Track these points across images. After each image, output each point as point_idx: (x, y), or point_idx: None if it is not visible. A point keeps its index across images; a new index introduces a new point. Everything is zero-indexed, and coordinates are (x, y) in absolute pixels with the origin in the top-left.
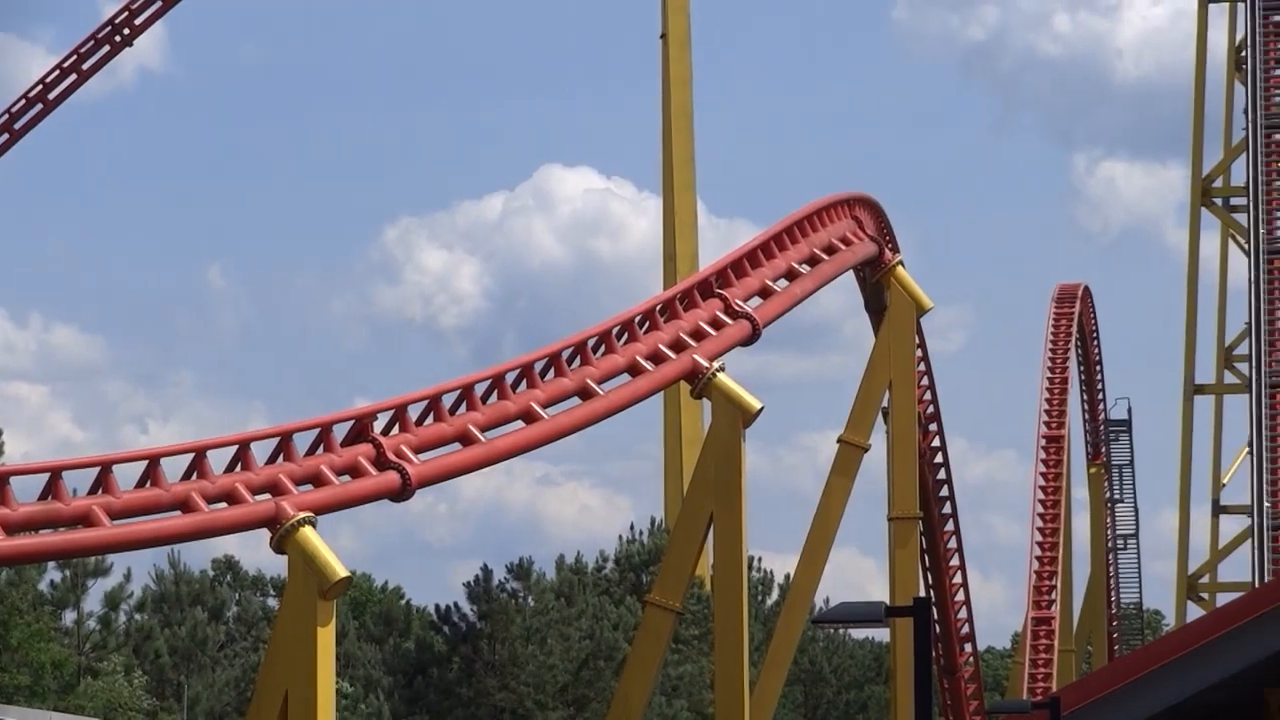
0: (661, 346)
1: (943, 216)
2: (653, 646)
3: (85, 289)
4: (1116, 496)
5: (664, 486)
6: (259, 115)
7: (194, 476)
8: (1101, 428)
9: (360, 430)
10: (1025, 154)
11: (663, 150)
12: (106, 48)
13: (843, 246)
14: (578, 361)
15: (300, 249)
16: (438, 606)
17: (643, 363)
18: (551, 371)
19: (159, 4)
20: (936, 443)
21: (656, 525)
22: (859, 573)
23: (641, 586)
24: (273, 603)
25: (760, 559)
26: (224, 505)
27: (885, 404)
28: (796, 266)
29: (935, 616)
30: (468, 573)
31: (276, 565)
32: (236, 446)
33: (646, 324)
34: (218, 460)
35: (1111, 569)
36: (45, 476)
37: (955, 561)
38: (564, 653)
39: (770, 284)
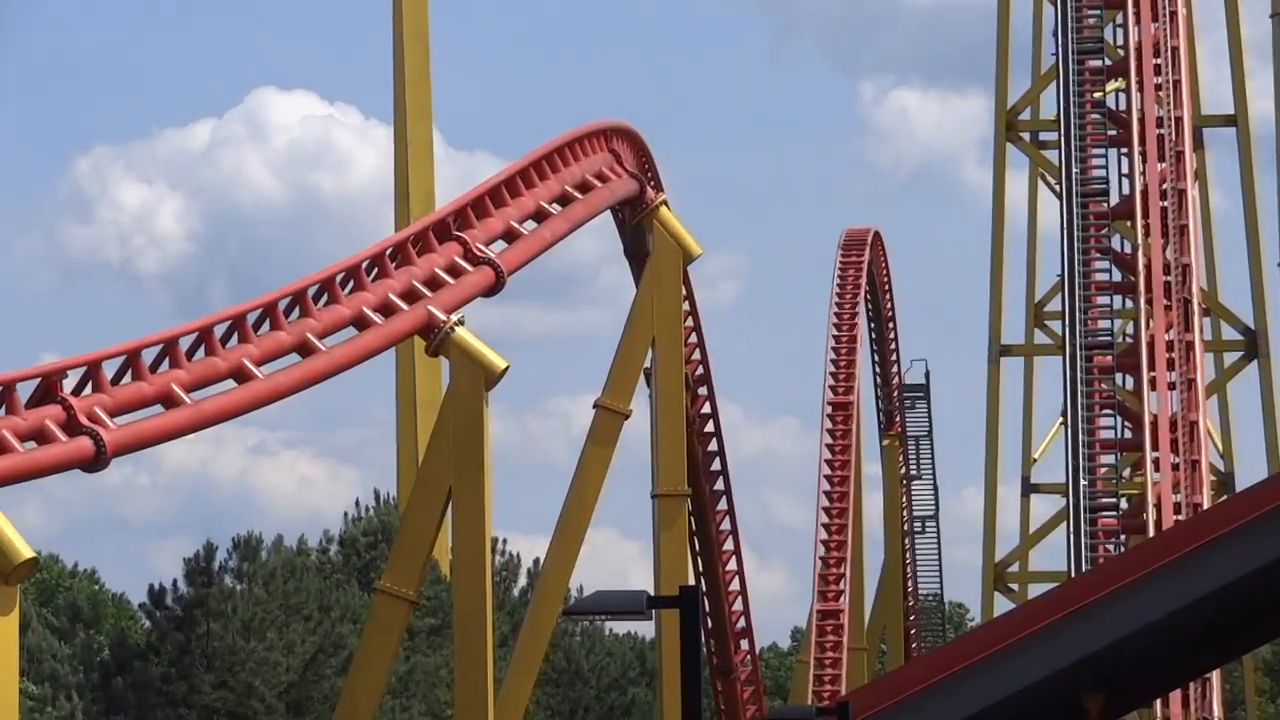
0: (392, 297)
1: (713, 151)
2: (383, 640)
3: None
4: (913, 472)
5: (396, 457)
6: None
7: None
8: (896, 394)
9: (48, 390)
10: (806, 81)
11: (394, 73)
12: None
13: (599, 184)
14: (297, 313)
15: None
16: (151, 587)
17: (371, 315)
18: (267, 324)
19: None
20: (707, 409)
21: (387, 501)
22: (620, 557)
23: (371, 571)
24: None
25: (506, 540)
26: None
27: (648, 364)
28: (546, 206)
29: (706, 608)
30: (171, 554)
31: None
32: None
33: (375, 271)
34: None
35: (909, 555)
36: None
37: (729, 546)
38: (286, 647)
39: (516, 226)
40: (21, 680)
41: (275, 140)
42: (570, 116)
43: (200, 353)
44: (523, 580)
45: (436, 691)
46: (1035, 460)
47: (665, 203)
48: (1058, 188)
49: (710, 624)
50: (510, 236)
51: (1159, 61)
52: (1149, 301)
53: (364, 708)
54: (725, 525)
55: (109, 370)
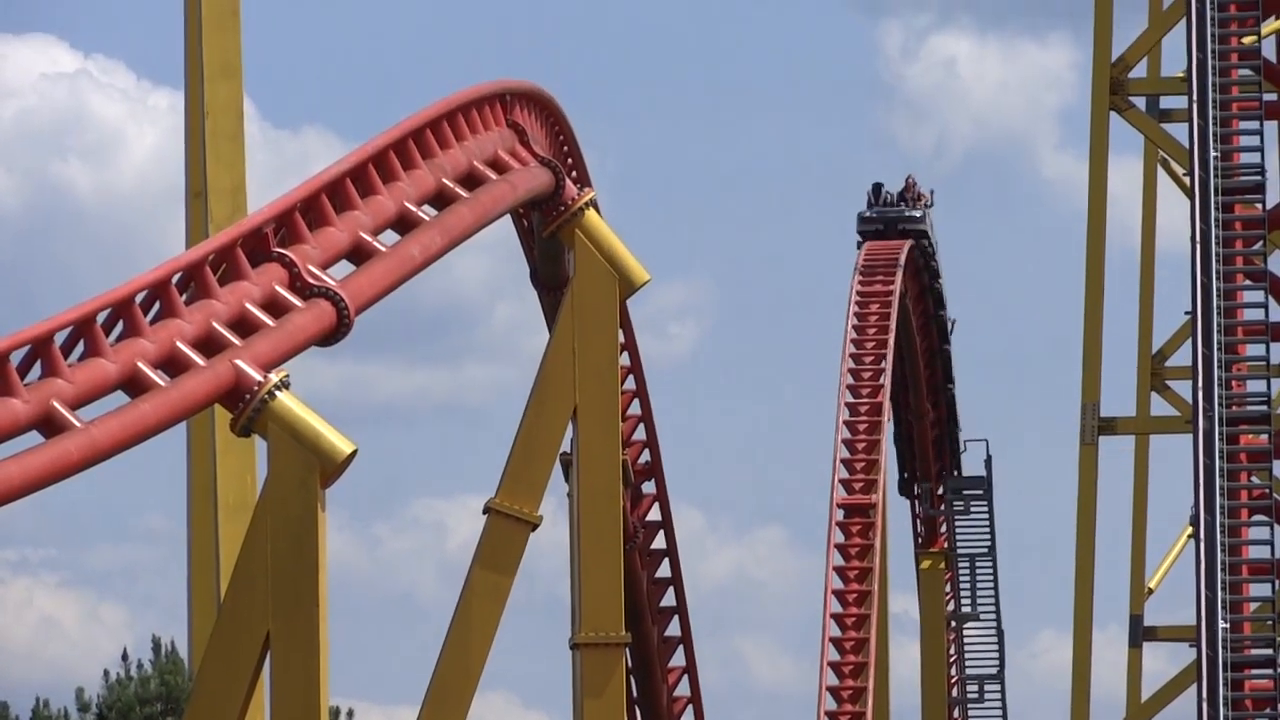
0: (181, 345)
1: (663, 126)
2: None
3: None
4: (966, 610)
5: (188, 588)
6: None
7: None
8: (942, 492)
9: None
10: (803, 22)
11: (186, 11)
12: None
13: (492, 174)
14: (38, 372)
15: None
16: None
17: (148, 373)
18: None
19: None
20: (655, 515)
21: (170, 653)
22: None
23: None
24: None
25: (350, 711)
26: None
27: (567, 448)
28: (412, 209)
29: None
30: None
31: None
32: None
33: (157, 307)
34: None
35: None
36: None
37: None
38: None
39: (368, 239)
40: None
41: (0, 110)
42: (449, 77)
43: None
44: None
45: None
46: (1150, 592)
47: (593, 203)
48: (1187, 180)
49: None
50: (359, 255)
51: None
52: None
53: None
54: (683, 689)
55: None
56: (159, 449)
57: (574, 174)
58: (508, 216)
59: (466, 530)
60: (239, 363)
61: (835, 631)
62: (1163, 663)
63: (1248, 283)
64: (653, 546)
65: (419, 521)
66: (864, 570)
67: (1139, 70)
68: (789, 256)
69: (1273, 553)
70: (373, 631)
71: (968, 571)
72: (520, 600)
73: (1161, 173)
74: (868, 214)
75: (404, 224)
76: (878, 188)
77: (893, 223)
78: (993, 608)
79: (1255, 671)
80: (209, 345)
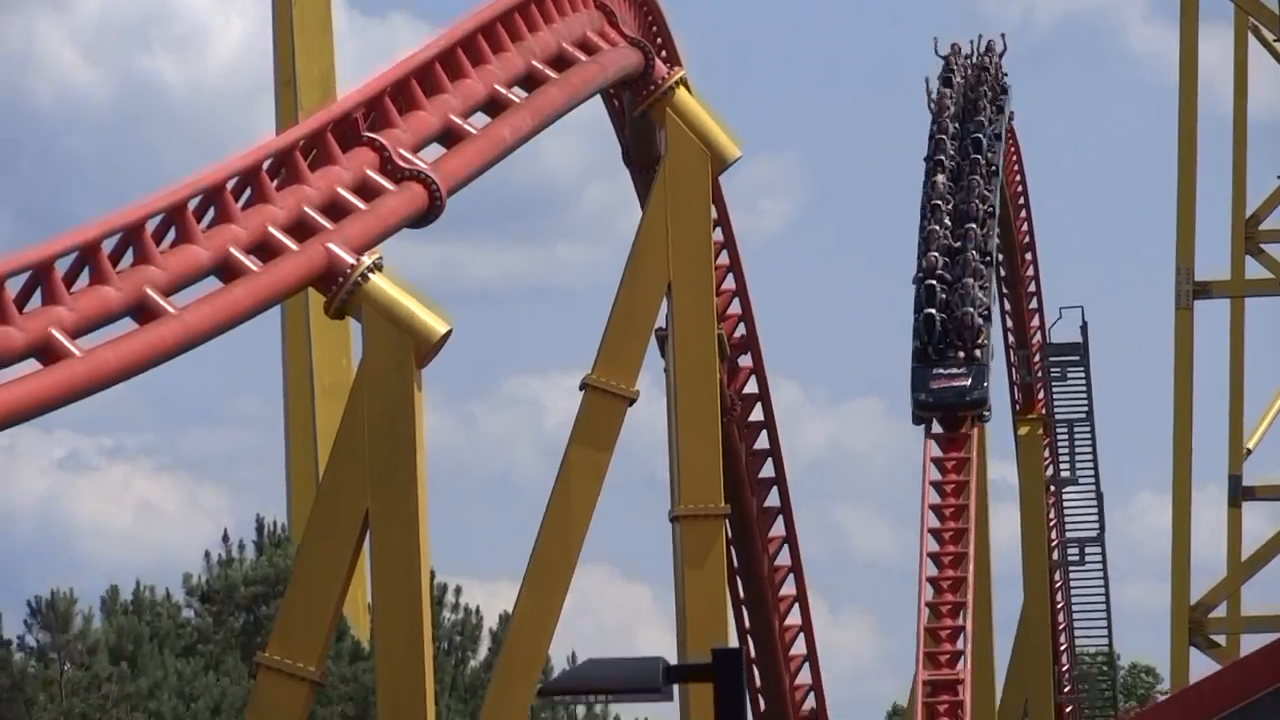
0: (273, 230)
1: (751, 4)
2: None
3: None
4: (1065, 475)
5: (286, 469)
6: None
7: None
8: (1038, 359)
9: None
10: None
11: None
12: None
13: (581, 55)
14: (129, 259)
15: None
16: None
17: (239, 258)
18: (85, 277)
19: None
20: (752, 388)
21: (274, 533)
22: (622, 609)
23: (251, 638)
24: None
25: (458, 588)
26: None
27: (662, 324)
28: (501, 91)
29: (756, 682)
30: None
31: None
32: None
33: (247, 192)
34: None
35: (1059, 597)
36: None
37: (789, 589)
38: None
39: (458, 122)
40: None
41: (85, 5)
42: None
43: None
44: (484, 647)
45: None
46: (1249, 451)
47: (684, 81)
48: (1278, 46)
49: (763, 705)
50: (449, 138)
51: None
52: None
53: None
54: (783, 559)
55: None
56: (254, 333)
57: (663, 53)
58: (599, 97)
59: (562, 408)
60: (331, 246)
61: (934, 499)
62: (1262, 522)
63: None
64: (750, 419)
65: (515, 400)
66: (961, 437)
67: None
68: (876, 130)
69: None
70: (472, 509)
71: (1066, 436)
72: (618, 475)
73: (1252, 41)
74: (921, 396)
75: (494, 106)
76: (937, 150)
77: (951, 409)
78: (1091, 471)
79: None
80: (301, 229)
